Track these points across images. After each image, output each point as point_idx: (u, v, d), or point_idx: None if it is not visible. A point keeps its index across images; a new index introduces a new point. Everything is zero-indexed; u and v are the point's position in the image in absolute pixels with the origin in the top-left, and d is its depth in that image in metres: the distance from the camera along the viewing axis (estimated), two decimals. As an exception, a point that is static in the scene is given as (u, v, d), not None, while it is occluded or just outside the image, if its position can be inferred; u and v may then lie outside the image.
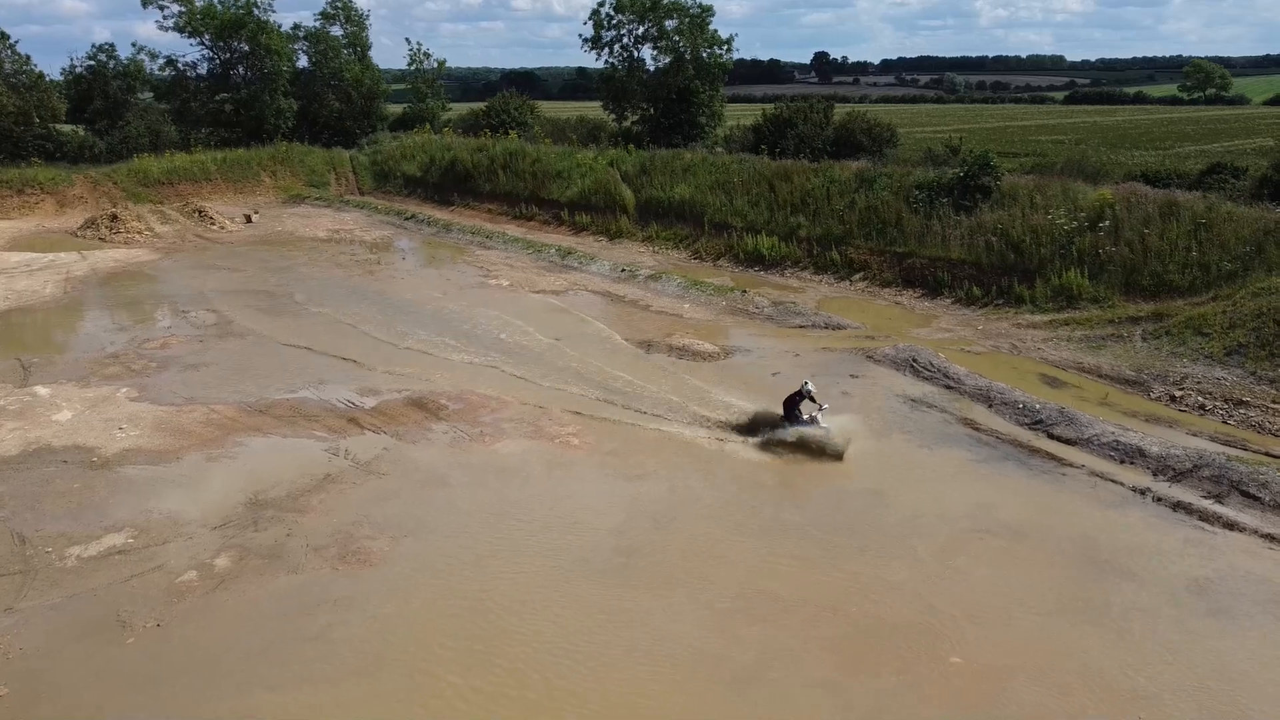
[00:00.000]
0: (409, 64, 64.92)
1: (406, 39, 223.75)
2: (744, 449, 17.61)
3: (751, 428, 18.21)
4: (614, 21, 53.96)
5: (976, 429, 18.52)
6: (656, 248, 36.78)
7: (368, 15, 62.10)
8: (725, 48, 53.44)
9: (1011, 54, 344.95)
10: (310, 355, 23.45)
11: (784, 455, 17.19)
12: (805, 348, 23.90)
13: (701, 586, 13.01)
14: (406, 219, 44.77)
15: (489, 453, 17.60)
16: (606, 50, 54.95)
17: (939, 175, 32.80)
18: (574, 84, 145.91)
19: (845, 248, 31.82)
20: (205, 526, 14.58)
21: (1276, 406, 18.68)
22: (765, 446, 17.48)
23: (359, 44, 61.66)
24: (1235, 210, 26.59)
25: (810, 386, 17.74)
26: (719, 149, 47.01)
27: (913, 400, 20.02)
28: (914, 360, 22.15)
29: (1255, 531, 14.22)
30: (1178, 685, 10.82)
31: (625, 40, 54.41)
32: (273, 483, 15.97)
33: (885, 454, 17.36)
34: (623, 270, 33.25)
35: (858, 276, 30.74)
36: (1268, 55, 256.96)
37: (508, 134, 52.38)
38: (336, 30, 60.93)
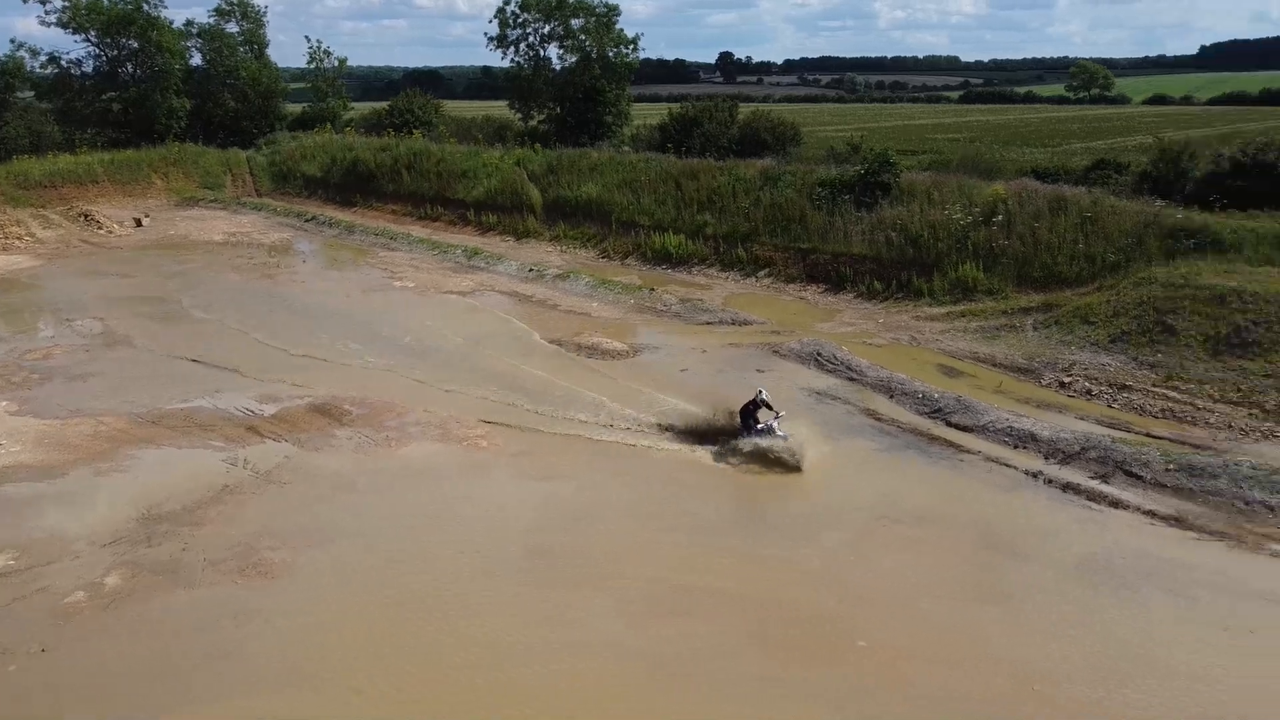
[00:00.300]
0: (309, 62, 63.26)
1: (306, 36, 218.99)
2: (657, 445, 17.68)
3: (700, 434, 17.68)
4: (520, 20, 53.59)
5: (879, 419, 18.96)
6: (564, 247, 36.65)
7: (265, 11, 60.42)
8: (631, 47, 53.58)
9: (909, 54, 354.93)
10: (204, 363, 22.68)
11: (717, 457, 16.99)
12: (712, 344, 24.13)
13: (620, 584, 13.03)
14: (307, 221, 43.68)
15: (396, 457, 17.30)
16: (512, 49, 54.57)
17: (841, 173, 33.45)
18: (479, 83, 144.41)
19: (751, 245, 32.22)
20: (94, 544, 13.96)
21: (1157, 390, 19.60)
22: (720, 457, 16.92)
23: (256, 41, 59.87)
24: (1118, 204, 27.83)
25: (765, 394, 17.20)
26: (626, 148, 47.12)
27: (818, 393, 20.38)
28: (818, 354, 22.56)
29: (1138, 509, 14.89)
30: (1071, 657, 11.26)
31: (531, 39, 54.12)
32: (166, 496, 15.38)
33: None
34: (530, 270, 33.05)
35: (763, 273, 31.16)
36: (1146, 57, 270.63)
37: (412, 134, 51.54)
38: (232, 27, 59.06)
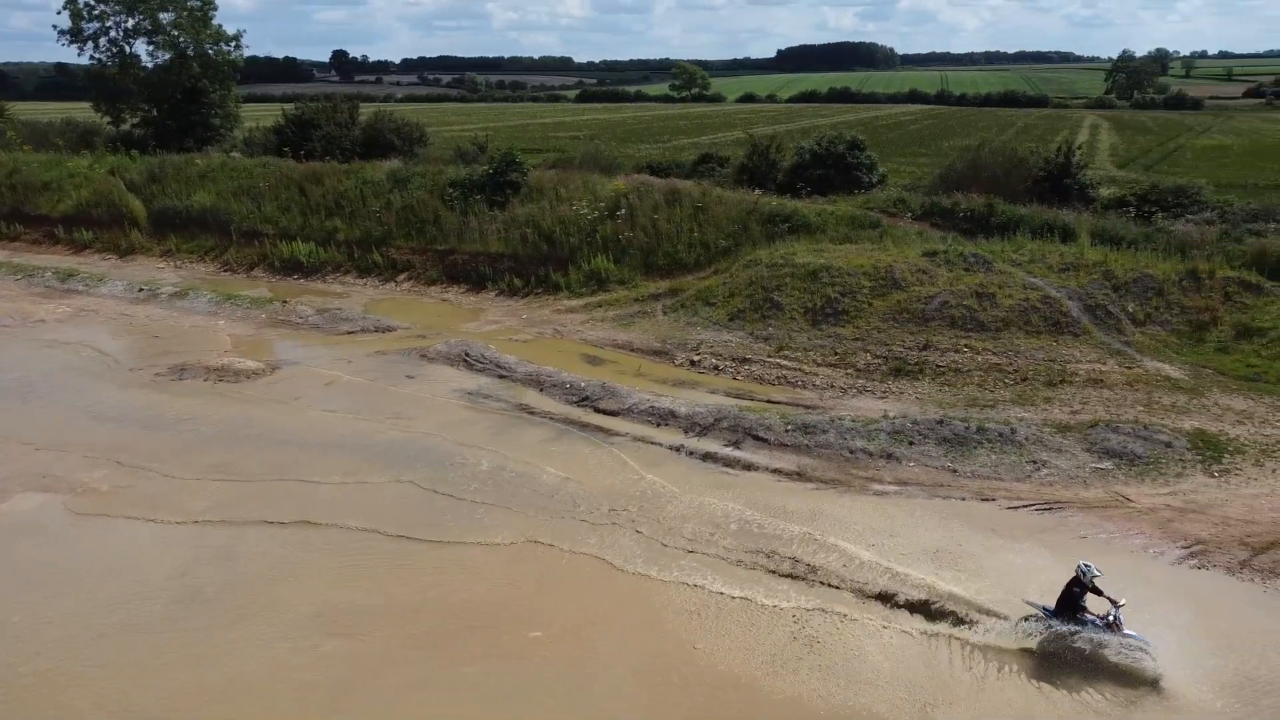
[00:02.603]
0: None
1: None
2: (316, 471, 16.76)
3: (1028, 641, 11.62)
4: (96, 12, 47.82)
5: (532, 412, 19.40)
6: (179, 261, 33.52)
7: None
8: (234, 44, 49.86)
9: (525, 55, 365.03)
10: None
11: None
12: (357, 353, 23.32)
13: (275, 612, 12.27)
14: None
15: (-10, 517, 14.94)
16: (91, 44, 48.57)
17: (471, 172, 33.71)
18: (54, 82, 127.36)
19: (387, 249, 31.52)
20: None
21: (772, 360, 21.90)
22: (1046, 670, 11.14)
23: None
24: (724, 194, 30.66)
25: (1093, 569, 11.31)
26: (236, 153, 43.90)
27: (470, 393, 20.44)
28: (467, 354, 22.63)
29: (766, 468, 16.59)
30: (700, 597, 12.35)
31: (114, 34, 48.55)
32: None
33: (463, 437, 17.54)
34: (141, 289, 29.84)
35: (403, 277, 30.61)
36: (735, 59, 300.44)
37: (-30, 140, 44.34)
38: None
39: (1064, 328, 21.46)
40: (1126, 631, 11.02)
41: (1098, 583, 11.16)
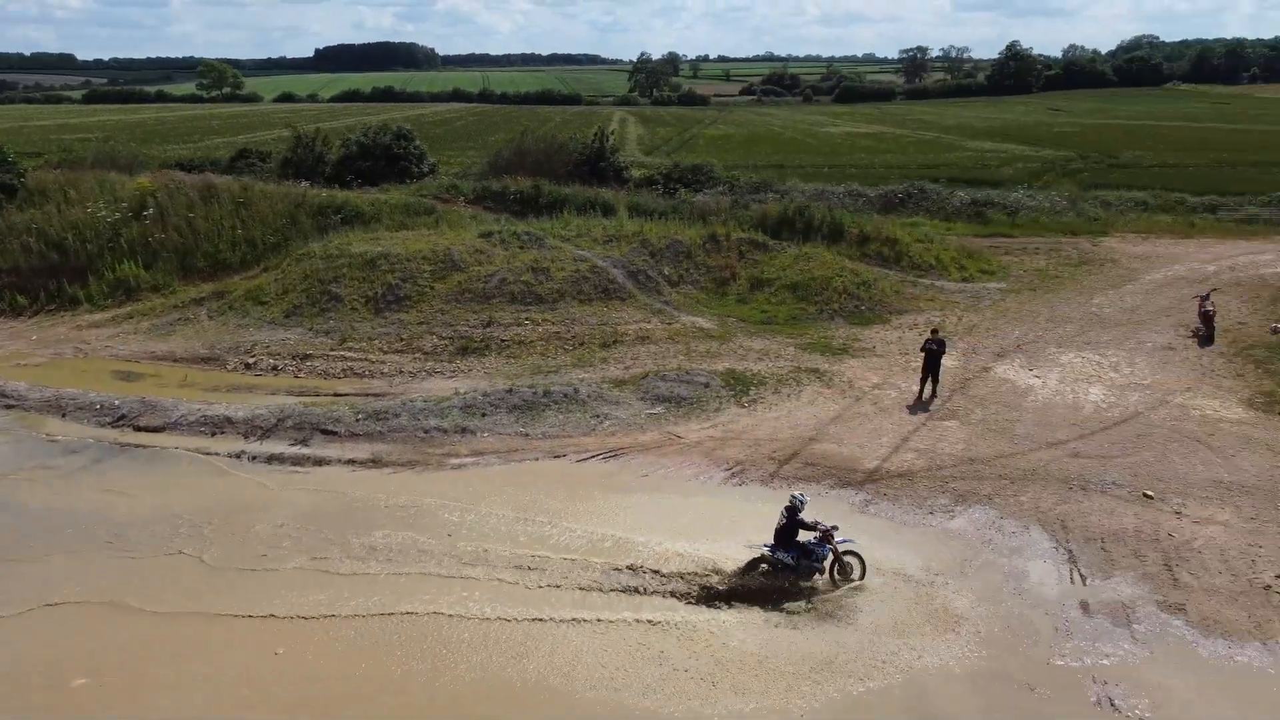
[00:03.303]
0: None
1: None
2: None
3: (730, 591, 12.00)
4: None
5: (55, 441, 16.75)
6: None
7: None
8: None
9: (14, 51, 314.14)
10: None
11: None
12: None
13: None
14: None
15: None
16: None
17: (-55, 177, 28.32)
18: None
19: None
20: None
21: (335, 353, 20.99)
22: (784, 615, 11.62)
23: None
24: (268, 189, 28.91)
25: (804, 498, 12.29)
26: None
27: (-34, 430, 17.16)
28: (-40, 386, 18.95)
29: (339, 460, 15.87)
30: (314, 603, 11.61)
31: None
32: None
33: None
34: None
35: None
36: (269, 58, 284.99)
37: None
38: None
39: (612, 293, 23.06)
40: (840, 538, 12.15)
41: (800, 515, 12.03)
